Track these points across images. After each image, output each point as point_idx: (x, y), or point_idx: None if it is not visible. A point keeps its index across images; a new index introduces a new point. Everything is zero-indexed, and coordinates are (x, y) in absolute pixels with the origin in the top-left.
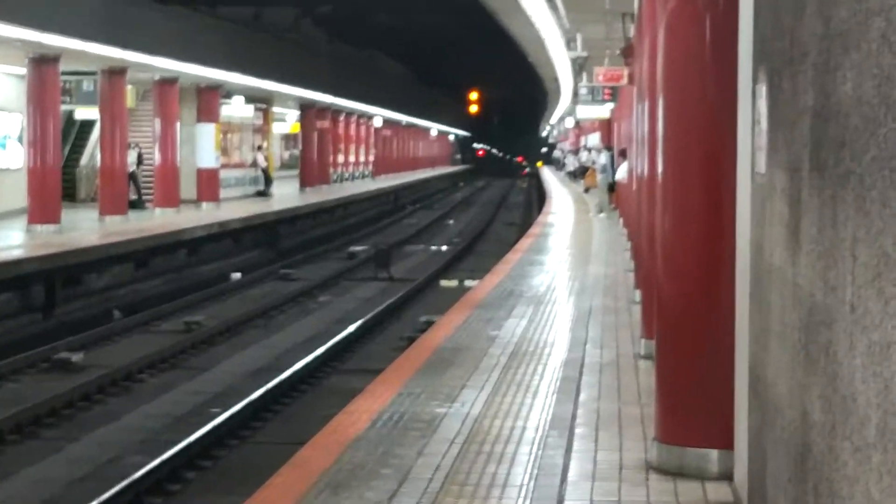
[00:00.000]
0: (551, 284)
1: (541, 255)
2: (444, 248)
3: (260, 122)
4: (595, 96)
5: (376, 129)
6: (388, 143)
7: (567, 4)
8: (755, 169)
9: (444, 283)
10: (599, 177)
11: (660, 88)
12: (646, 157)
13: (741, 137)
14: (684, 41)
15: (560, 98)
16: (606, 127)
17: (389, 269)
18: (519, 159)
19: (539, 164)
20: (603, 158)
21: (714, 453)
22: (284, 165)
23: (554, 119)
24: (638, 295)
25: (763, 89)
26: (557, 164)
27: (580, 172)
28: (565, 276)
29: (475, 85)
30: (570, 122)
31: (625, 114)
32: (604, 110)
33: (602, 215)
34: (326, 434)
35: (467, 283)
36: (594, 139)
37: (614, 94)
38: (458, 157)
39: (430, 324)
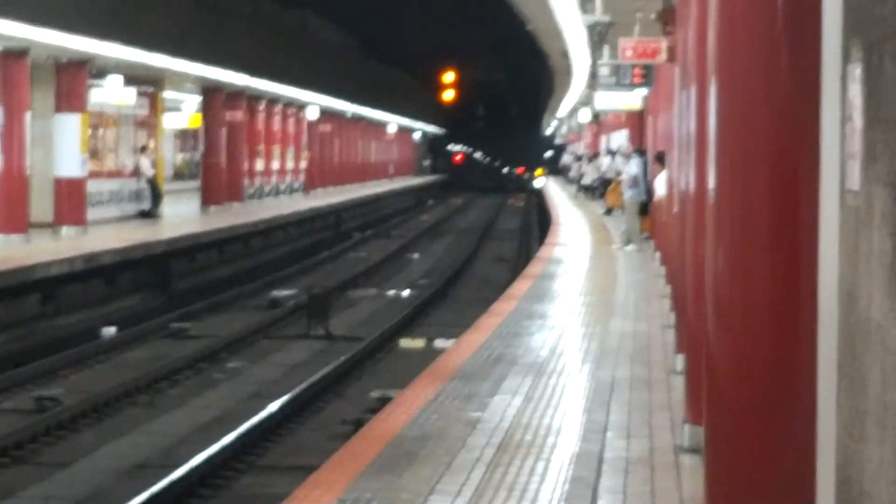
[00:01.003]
0: (557, 346)
1: (543, 305)
2: (405, 293)
3: (145, 112)
4: (621, 79)
5: (311, 124)
6: (327, 143)
7: None
8: (846, 185)
9: (405, 343)
10: (627, 193)
11: (712, 69)
12: (692, 165)
13: (826, 140)
14: (748, 3)
15: (571, 82)
16: (637, 122)
17: (328, 323)
18: (519, 171)
19: (539, 171)
20: (633, 167)
21: None
22: (180, 174)
23: (562, 111)
24: (681, 362)
25: (857, 72)
26: (567, 174)
27: (600, 187)
28: (578, 335)
29: (451, 63)
30: (584, 116)
31: (663, 104)
32: (633, 98)
33: (631, 248)
34: None
35: (438, 343)
36: (619, 139)
37: (648, 76)
38: (427, 163)
39: (385, 402)
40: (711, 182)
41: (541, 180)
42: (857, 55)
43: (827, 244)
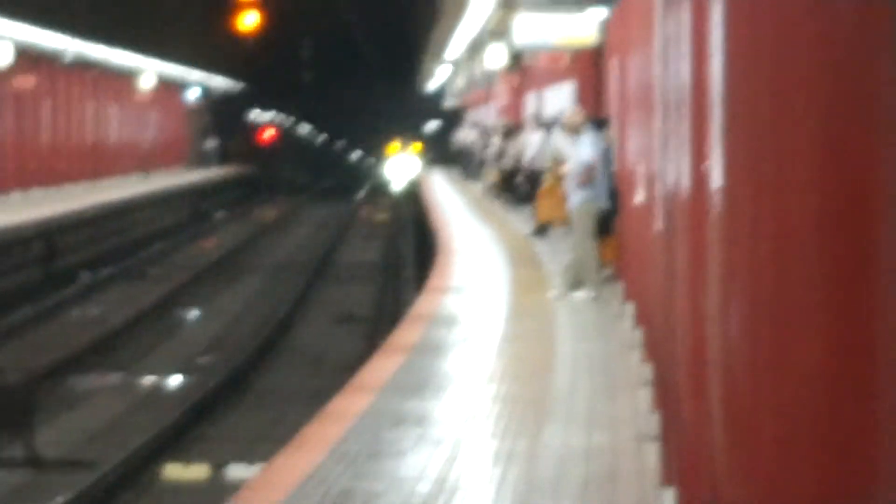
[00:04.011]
0: (448, 477)
1: (423, 401)
2: (173, 381)
3: None
4: None
5: None
6: (28, 109)
7: None
8: None
9: (173, 472)
10: (576, 196)
11: None
12: (686, 145)
13: None
14: None
15: None
16: (590, 69)
17: (32, 436)
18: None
19: (394, 147)
20: (585, 150)
21: None
22: None
23: (455, 51)
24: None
25: None
26: (466, 162)
27: (526, 184)
28: (485, 455)
29: None
30: (496, 58)
31: (636, 36)
32: (583, 26)
33: (582, 295)
34: None
35: (232, 472)
36: (560, 100)
37: None
38: (213, 145)
39: None
40: (717, 176)
41: (403, 167)
42: None
43: None
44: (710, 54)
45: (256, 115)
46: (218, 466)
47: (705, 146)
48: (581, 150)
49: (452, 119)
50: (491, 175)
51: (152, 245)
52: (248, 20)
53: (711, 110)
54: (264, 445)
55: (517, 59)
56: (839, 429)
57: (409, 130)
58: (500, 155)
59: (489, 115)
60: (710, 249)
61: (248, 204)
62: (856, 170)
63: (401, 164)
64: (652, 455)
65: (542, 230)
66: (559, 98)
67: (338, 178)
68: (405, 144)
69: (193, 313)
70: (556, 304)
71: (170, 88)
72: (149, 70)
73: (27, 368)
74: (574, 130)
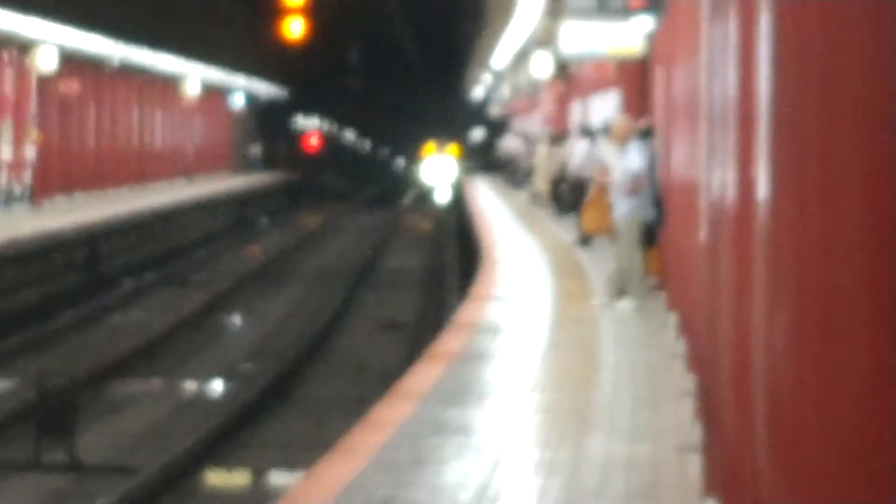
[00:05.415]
0: (490, 486)
1: (465, 409)
2: (215, 387)
3: None
4: (607, 0)
5: (44, 80)
6: (74, 114)
7: None
8: None
9: (215, 478)
10: (621, 206)
11: None
12: (731, 156)
13: None
14: None
15: (516, 4)
16: (636, 79)
17: (74, 441)
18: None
19: (429, 148)
20: (632, 159)
21: None
22: None
23: (501, 59)
24: None
25: None
26: (511, 170)
27: (571, 194)
28: (528, 464)
29: None
30: (542, 67)
31: (682, 47)
32: (629, 36)
33: (626, 305)
34: None
35: (274, 479)
36: (605, 109)
37: None
38: (257, 152)
39: None
40: (762, 187)
41: (440, 169)
42: None
43: None
44: (756, 64)
45: (301, 121)
46: (259, 473)
47: (751, 157)
48: (628, 160)
49: (498, 127)
50: (536, 184)
51: (195, 251)
52: (294, 27)
53: (757, 121)
54: (306, 452)
55: (563, 67)
56: (883, 442)
57: (454, 139)
58: (545, 164)
59: (534, 123)
60: (755, 260)
61: (292, 211)
62: None
63: (437, 166)
64: (694, 466)
65: (586, 240)
66: (604, 107)
67: (382, 186)
68: (441, 146)
69: (236, 320)
70: (600, 313)
71: (214, 94)
72: (194, 76)
73: (69, 374)
74: (621, 140)
